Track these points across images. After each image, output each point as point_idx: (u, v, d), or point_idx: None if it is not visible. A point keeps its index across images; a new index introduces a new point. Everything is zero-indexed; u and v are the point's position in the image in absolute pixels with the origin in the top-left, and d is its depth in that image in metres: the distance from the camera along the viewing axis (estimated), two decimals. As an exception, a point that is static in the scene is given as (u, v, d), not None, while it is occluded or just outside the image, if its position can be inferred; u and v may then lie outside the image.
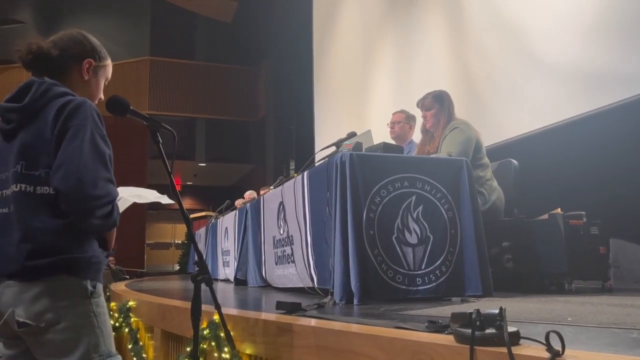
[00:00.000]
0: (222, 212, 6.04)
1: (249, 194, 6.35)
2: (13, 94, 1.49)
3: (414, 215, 2.55)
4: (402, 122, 4.00)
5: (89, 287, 1.40)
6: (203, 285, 1.54)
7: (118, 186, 1.63)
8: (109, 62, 1.65)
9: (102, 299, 1.46)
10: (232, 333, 1.82)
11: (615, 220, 3.46)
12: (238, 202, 6.14)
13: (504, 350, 1.04)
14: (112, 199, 1.41)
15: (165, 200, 1.81)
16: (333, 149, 3.15)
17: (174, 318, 2.57)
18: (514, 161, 3.52)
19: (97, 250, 1.45)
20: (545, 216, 3.19)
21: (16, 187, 1.41)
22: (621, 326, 1.49)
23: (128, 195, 1.73)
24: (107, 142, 1.44)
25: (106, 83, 1.66)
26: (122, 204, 1.62)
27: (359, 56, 7.29)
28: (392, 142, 3.76)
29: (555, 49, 3.97)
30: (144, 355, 3.05)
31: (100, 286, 1.45)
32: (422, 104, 3.46)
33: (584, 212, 3.13)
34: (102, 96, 1.64)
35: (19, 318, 1.34)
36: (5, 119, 1.48)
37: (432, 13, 5.68)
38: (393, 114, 4.10)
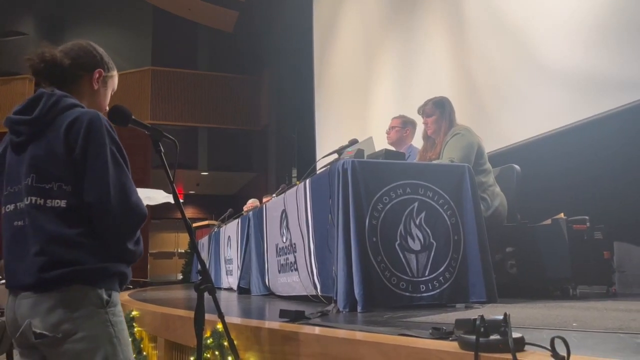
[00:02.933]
0: (224, 221, 6.04)
1: (252, 203, 6.35)
2: (22, 106, 1.49)
3: (417, 222, 2.55)
4: (397, 127, 4.00)
5: (105, 296, 1.41)
6: (206, 294, 1.54)
7: None
8: (115, 73, 1.67)
9: (119, 307, 1.46)
10: (235, 342, 1.81)
11: (620, 224, 3.45)
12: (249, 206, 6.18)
13: (509, 356, 1.03)
14: (145, 213, 1.46)
15: (172, 199, 1.81)
16: (335, 156, 3.15)
17: (178, 327, 2.56)
18: (516, 167, 3.51)
19: (112, 260, 1.44)
20: (549, 221, 3.18)
21: (27, 200, 1.42)
22: (627, 331, 1.48)
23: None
24: (123, 154, 1.47)
25: (112, 93, 1.68)
26: None
27: (360, 64, 7.31)
28: (392, 148, 3.76)
29: (558, 54, 3.98)
30: (147, 365, 3.04)
31: (116, 295, 1.45)
32: (422, 110, 3.46)
33: (587, 217, 3.12)
34: (107, 107, 1.65)
35: (36, 329, 1.35)
36: (14, 132, 1.48)
37: (433, 19, 5.70)
38: (391, 119, 4.11)
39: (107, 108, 1.64)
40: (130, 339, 1.49)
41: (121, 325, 1.44)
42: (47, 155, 1.42)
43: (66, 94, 1.50)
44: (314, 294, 2.85)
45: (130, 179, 1.45)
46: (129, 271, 1.49)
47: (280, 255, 3.44)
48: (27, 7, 12.95)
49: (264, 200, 5.35)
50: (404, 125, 4.00)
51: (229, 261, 5.30)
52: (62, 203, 1.40)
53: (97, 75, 1.59)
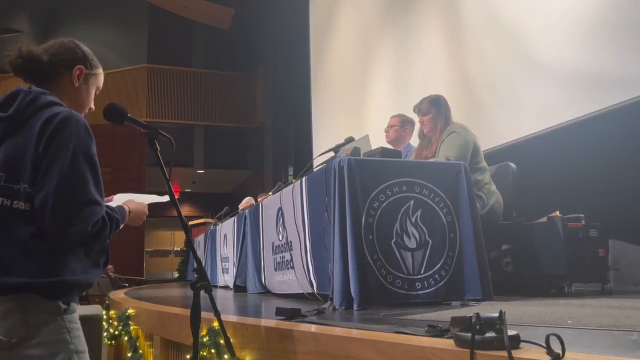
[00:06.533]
0: (220, 219, 6.03)
1: (247, 201, 6.33)
2: None
3: (413, 220, 2.55)
4: (396, 126, 4.00)
5: (62, 305, 1.37)
6: (202, 292, 1.53)
7: (116, 193, 1.61)
8: (100, 71, 1.61)
9: (76, 314, 1.42)
10: (231, 340, 1.81)
11: (615, 222, 3.46)
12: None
13: (504, 354, 1.04)
14: (91, 222, 1.35)
15: (165, 199, 1.77)
16: (331, 154, 3.15)
17: (174, 326, 2.56)
18: (512, 165, 3.52)
19: (72, 271, 1.38)
20: (544, 219, 3.19)
21: None
22: (621, 328, 1.49)
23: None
24: (91, 159, 1.38)
25: (97, 92, 1.62)
26: None
27: (356, 61, 7.31)
28: (389, 146, 3.76)
29: (553, 51, 3.99)
30: (143, 363, 3.04)
31: (74, 304, 1.41)
32: (418, 108, 3.46)
33: (582, 215, 3.13)
34: (92, 106, 1.60)
35: None
36: None
37: (429, 17, 5.70)
38: (390, 118, 4.11)
39: (93, 108, 1.60)
40: (87, 347, 1.44)
41: (77, 332, 1.40)
42: (20, 154, 1.37)
43: (45, 91, 1.46)
44: (310, 292, 2.86)
45: (90, 188, 1.36)
46: (89, 278, 1.42)
47: (276, 253, 3.44)
48: (21, 4, 12.89)
49: (259, 199, 5.34)
50: (402, 124, 4.00)
51: (225, 259, 5.30)
52: (27, 206, 1.35)
53: (78, 72, 1.53)
